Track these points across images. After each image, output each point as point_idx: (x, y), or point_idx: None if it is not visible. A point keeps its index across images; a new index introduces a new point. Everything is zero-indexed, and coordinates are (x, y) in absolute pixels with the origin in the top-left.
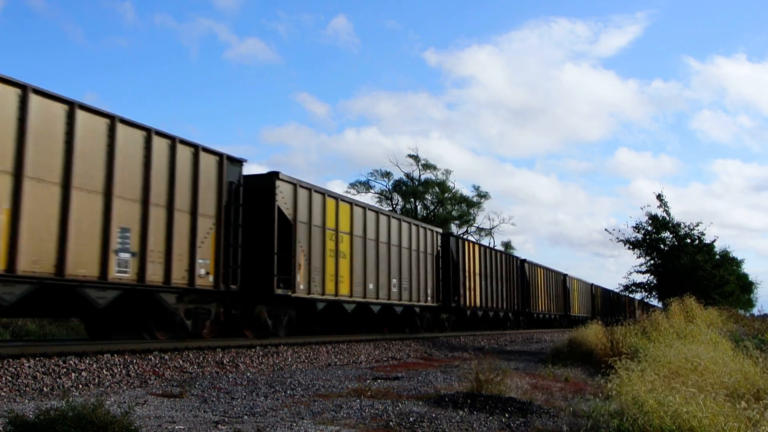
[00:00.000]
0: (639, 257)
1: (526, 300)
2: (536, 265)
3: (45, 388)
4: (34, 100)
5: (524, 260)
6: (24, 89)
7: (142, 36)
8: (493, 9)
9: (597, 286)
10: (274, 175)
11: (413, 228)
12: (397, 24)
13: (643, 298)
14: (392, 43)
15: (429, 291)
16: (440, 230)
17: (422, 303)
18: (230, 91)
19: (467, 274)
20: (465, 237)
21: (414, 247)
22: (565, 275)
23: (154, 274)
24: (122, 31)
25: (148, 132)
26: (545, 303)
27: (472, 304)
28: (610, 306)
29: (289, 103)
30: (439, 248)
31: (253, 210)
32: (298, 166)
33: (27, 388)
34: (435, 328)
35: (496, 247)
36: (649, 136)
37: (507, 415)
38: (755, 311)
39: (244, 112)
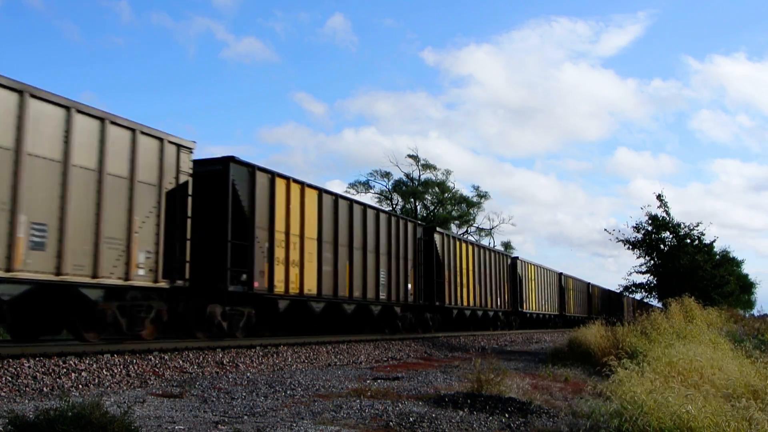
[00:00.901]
0: (639, 257)
1: (437, 289)
2: (456, 239)
3: (45, 389)
4: None
5: (433, 229)
6: None
7: (139, 34)
8: (494, 8)
9: (569, 277)
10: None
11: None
12: (394, 22)
13: (642, 298)
14: (390, 42)
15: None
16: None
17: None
18: (228, 90)
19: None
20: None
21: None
22: (515, 258)
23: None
24: (119, 30)
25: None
26: (477, 294)
27: (293, 289)
28: (589, 302)
29: (287, 102)
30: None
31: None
32: (297, 166)
33: (27, 389)
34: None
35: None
36: (649, 135)
37: (507, 415)
38: (755, 311)
39: (242, 111)
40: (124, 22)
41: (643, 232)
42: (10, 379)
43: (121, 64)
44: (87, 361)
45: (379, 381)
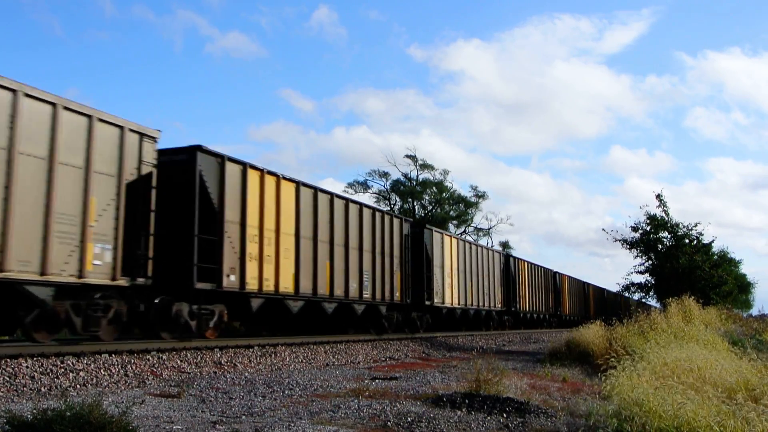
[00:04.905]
0: (637, 257)
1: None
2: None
3: (43, 389)
4: None
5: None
6: None
7: (123, 29)
8: (497, 5)
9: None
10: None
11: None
12: (379, 14)
13: (641, 299)
14: (377, 36)
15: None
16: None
17: None
18: (214, 86)
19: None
20: None
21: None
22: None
23: None
24: (102, 24)
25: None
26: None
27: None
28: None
29: (275, 99)
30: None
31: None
32: (289, 164)
33: (25, 388)
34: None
35: None
36: (644, 133)
37: (505, 415)
38: (755, 311)
39: (230, 108)
40: (106, 16)
41: (641, 231)
42: (7, 378)
43: (106, 59)
44: (85, 361)
45: (377, 381)
